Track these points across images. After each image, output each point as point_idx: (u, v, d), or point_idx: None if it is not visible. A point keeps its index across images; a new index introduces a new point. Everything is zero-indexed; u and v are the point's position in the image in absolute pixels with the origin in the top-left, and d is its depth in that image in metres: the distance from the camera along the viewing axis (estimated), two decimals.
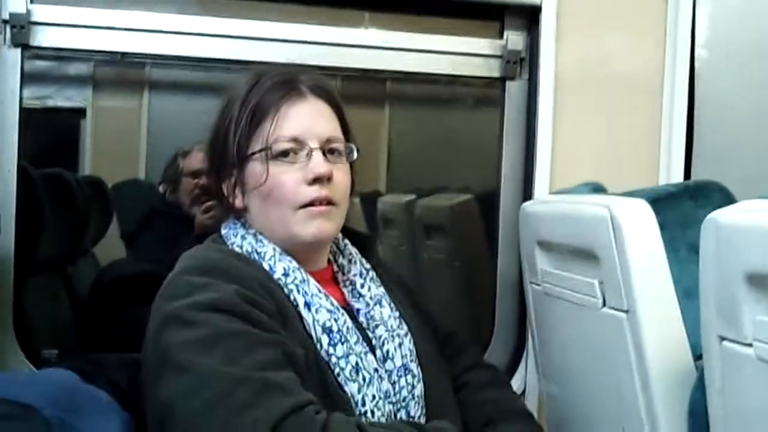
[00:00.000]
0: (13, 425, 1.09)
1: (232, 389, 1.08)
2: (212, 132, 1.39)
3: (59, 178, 2.37)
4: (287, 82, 1.36)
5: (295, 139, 1.32)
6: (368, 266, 1.47)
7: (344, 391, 1.22)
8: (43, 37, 1.87)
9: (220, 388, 1.08)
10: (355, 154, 1.40)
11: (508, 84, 2.14)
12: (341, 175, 1.35)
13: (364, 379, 1.25)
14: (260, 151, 1.31)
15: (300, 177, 1.31)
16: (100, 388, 1.29)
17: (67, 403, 1.16)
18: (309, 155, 1.31)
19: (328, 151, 1.34)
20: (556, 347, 1.79)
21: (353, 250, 1.48)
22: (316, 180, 1.30)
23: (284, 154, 1.31)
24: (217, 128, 1.38)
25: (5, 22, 1.83)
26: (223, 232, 1.39)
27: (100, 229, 2.77)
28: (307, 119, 1.34)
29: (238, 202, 1.37)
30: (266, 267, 1.30)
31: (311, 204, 1.31)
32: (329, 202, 1.32)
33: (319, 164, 1.31)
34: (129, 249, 2.78)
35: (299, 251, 1.34)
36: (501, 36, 2.13)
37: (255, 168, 1.32)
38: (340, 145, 1.37)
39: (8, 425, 1.09)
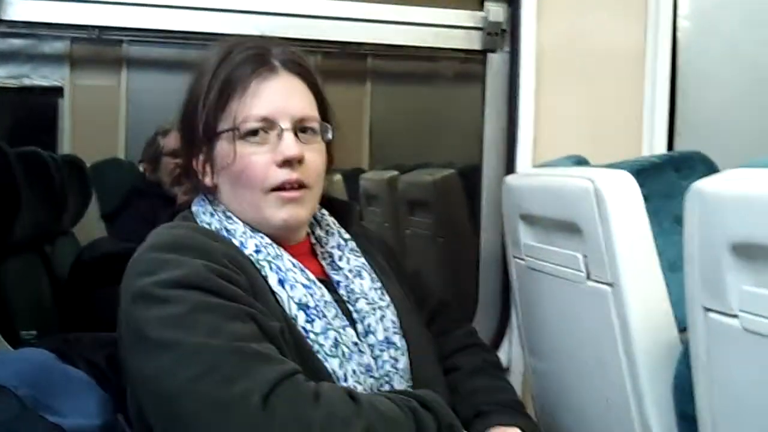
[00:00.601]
0: None
1: (217, 361, 1.05)
2: (182, 107, 1.34)
3: (35, 157, 2.33)
4: (258, 56, 1.30)
5: (264, 119, 1.26)
6: (347, 236, 1.44)
7: (325, 367, 1.20)
8: (16, 11, 1.83)
9: (205, 362, 1.06)
10: (331, 134, 1.35)
11: (489, 56, 2.12)
12: (314, 156, 1.30)
13: (343, 354, 1.22)
14: (228, 130, 1.27)
15: (269, 159, 1.26)
16: (78, 367, 1.28)
17: (43, 383, 1.15)
18: (280, 136, 1.26)
19: (300, 130, 1.29)
20: (540, 321, 1.79)
21: (331, 220, 1.45)
22: (287, 162, 1.25)
23: (253, 133, 1.26)
24: (186, 103, 1.33)
25: None
26: (193, 209, 1.35)
27: (79, 209, 2.74)
28: (278, 97, 1.28)
29: (208, 180, 1.32)
30: (236, 243, 1.27)
31: (282, 188, 1.26)
32: (301, 185, 1.27)
33: (289, 146, 1.25)
34: (109, 228, 2.76)
35: (269, 231, 1.30)
36: (481, 7, 2.10)
37: (223, 147, 1.27)
38: (314, 124, 1.32)
39: None
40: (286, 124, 1.27)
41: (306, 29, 1.95)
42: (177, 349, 1.08)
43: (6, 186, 1.95)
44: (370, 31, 2.03)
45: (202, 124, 1.28)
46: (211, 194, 1.34)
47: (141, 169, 2.70)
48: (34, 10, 1.84)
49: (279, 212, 1.27)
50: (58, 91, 3.24)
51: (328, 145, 1.36)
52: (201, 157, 1.31)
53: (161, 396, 1.08)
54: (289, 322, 1.21)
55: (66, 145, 3.27)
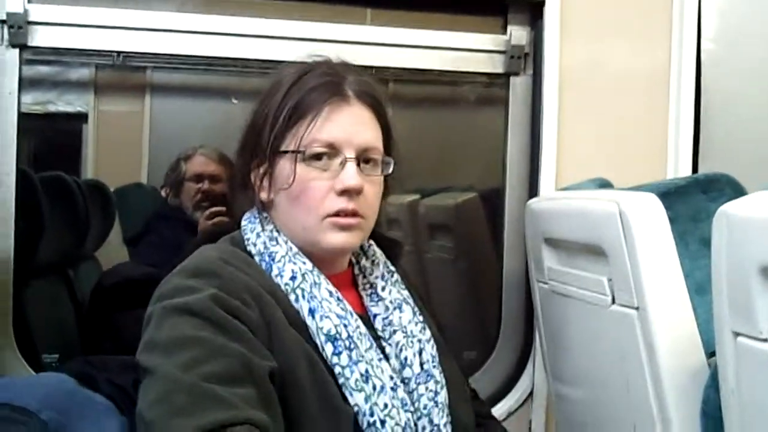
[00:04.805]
0: (11, 428, 1.09)
1: (174, 394, 1.05)
2: (250, 118, 1.34)
3: (60, 181, 2.35)
4: (333, 84, 1.29)
5: (330, 145, 1.26)
6: (392, 268, 1.43)
7: (348, 403, 1.18)
8: (42, 37, 1.86)
9: (164, 391, 1.05)
10: (392, 168, 1.34)
11: (512, 80, 2.12)
12: (372, 189, 1.30)
13: (374, 388, 1.20)
14: (293, 152, 1.26)
15: (329, 186, 1.26)
16: (102, 390, 1.28)
17: (64, 407, 1.15)
18: (342, 164, 1.26)
19: (363, 160, 1.28)
20: (564, 346, 1.77)
21: (378, 251, 1.44)
22: (345, 192, 1.25)
23: (317, 157, 1.26)
24: (255, 116, 1.33)
25: (2, 22, 1.82)
26: (243, 224, 1.35)
27: (102, 233, 2.75)
28: (347, 126, 1.27)
29: (264, 195, 1.32)
30: (275, 270, 1.26)
31: (337, 214, 1.26)
32: (356, 214, 1.27)
33: (351, 176, 1.25)
34: (132, 253, 2.77)
35: (318, 255, 1.30)
36: (504, 31, 2.11)
37: (285, 167, 1.27)
38: (377, 156, 1.31)
39: (6, 428, 1.08)
40: (350, 154, 1.26)
41: (327, 54, 1.95)
42: (150, 374, 1.08)
43: (30, 210, 1.96)
44: (393, 56, 2.05)
45: (267, 140, 1.28)
46: (264, 210, 1.34)
47: (163, 193, 2.71)
48: (59, 36, 1.87)
49: (332, 238, 1.27)
50: (82, 117, 3.26)
51: (386, 177, 1.35)
52: (260, 171, 1.31)
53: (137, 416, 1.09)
54: (318, 354, 1.19)
55: (90, 170, 3.30)
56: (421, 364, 1.30)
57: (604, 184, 1.78)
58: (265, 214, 1.34)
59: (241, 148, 1.37)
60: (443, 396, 1.30)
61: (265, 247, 1.29)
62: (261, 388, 1.10)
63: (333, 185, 1.26)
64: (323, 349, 1.20)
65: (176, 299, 1.14)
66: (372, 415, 1.18)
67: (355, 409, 1.17)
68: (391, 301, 1.36)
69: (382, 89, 1.37)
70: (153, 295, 1.19)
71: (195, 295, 1.13)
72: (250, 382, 1.09)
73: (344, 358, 1.20)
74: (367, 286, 1.38)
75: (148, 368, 1.09)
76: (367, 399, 1.19)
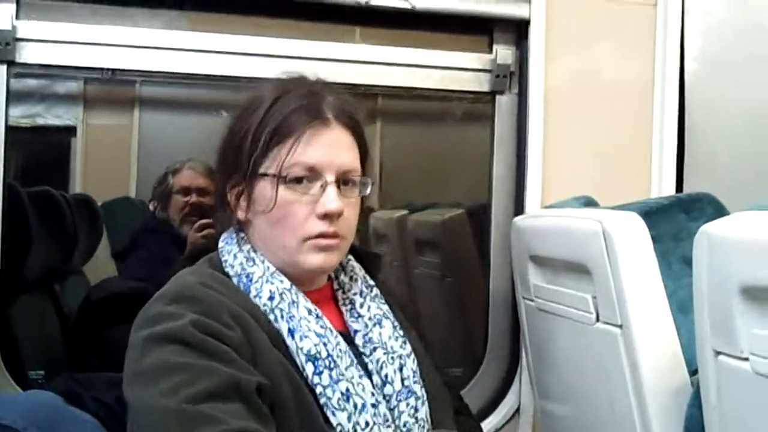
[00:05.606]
0: None
1: (163, 422, 1.06)
2: (226, 136, 1.34)
3: (47, 196, 2.34)
4: (313, 107, 1.29)
5: (311, 168, 1.26)
6: (371, 283, 1.43)
7: (330, 424, 1.18)
8: (29, 54, 1.85)
9: (154, 421, 1.06)
10: (369, 189, 1.35)
11: (498, 98, 2.13)
12: (351, 210, 1.31)
13: (355, 407, 1.20)
14: (273, 176, 1.26)
15: (310, 209, 1.26)
16: (87, 407, 1.28)
17: (49, 424, 1.15)
18: (323, 188, 1.26)
19: (342, 182, 1.29)
20: (550, 363, 1.78)
21: (357, 266, 1.44)
22: (326, 216, 1.26)
23: (298, 180, 1.26)
24: (232, 134, 1.32)
25: None
26: (220, 245, 1.35)
27: (90, 248, 2.74)
28: (327, 150, 1.28)
29: (241, 214, 1.32)
30: (253, 291, 1.26)
31: (318, 236, 1.27)
32: (336, 236, 1.28)
33: (331, 200, 1.26)
34: (120, 267, 2.76)
35: (296, 275, 1.30)
36: (490, 50, 2.13)
37: (265, 190, 1.27)
38: (356, 177, 1.32)
39: None
40: (330, 177, 1.27)
41: (315, 72, 1.97)
42: (137, 404, 1.09)
43: (18, 224, 1.95)
44: (381, 74, 2.06)
45: (245, 162, 1.28)
46: (242, 230, 1.34)
47: (151, 207, 2.71)
48: (48, 53, 1.87)
49: (312, 259, 1.27)
50: (70, 131, 3.26)
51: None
52: (237, 190, 1.31)
53: None
54: (298, 374, 1.19)
55: (78, 183, 3.29)
56: (402, 381, 1.30)
57: (589, 203, 1.79)
58: (242, 234, 1.34)
59: (218, 166, 1.36)
60: (424, 412, 1.30)
61: (242, 269, 1.29)
62: (250, 403, 1.10)
63: (314, 209, 1.26)
64: (304, 369, 1.20)
65: (157, 327, 1.14)
66: None
67: (338, 429, 1.18)
68: (370, 318, 1.36)
69: (359, 106, 1.38)
70: (134, 322, 1.19)
71: (176, 322, 1.13)
72: (238, 399, 1.09)
73: (325, 378, 1.20)
74: (347, 301, 1.38)
75: (134, 401, 1.10)
76: (349, 417, 1.19)
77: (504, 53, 2.10)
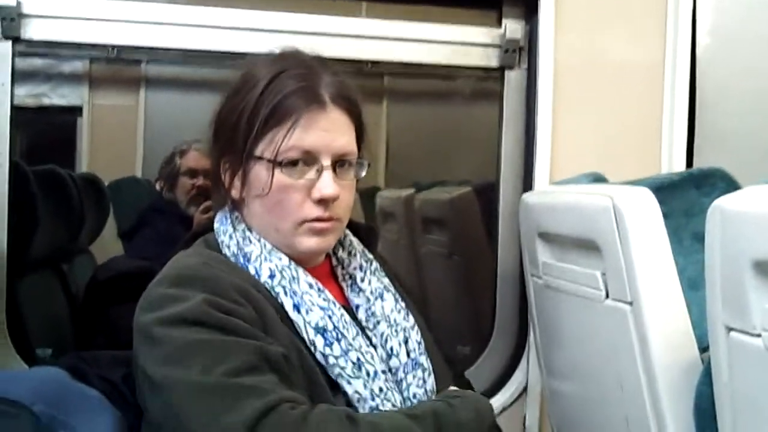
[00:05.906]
0: (3, 421, 1.10)
1: (205, 399, 1.06)
2: (220, 113, 1.32)
3: (54, 175, 2.34)
4: (310, 89, 1.26)
5: (307, 152, 1.25)
6: (370, 257, 1.42)
7: (344, 393, 1.20)
8: (34, 30, 1.85)
9: (194, 400, 1.07)
10: (365, 171, 1.34)
11: (507, 74, 2.12)
12: (347, 192, 1.30)
13: (368, 374, 1.21)
14: (269, 160, 1.25)
15: (305, 194, 1.25)
16: (93, 385, 1.28)
17: (56, 401, 1.16)
18: (319, 172, 1.25)
19: (338, 164, 1.27)
20: (558, 341, 1.77)
21: (355, 241, 1.43)
22: (322, 200, 1.25)
23: (293, 163, 1.25)
24: (226, 112, 1.30)
25: None
26: (215, 226, 1.34)
27: (97, 227, 2.74)
28: (324, 133, 1.26)
29: (235, 193, 1.31)
30: (252, 270, 1.26)
31: (313, 220, 1.26)
32: (331, 219, 1.27)
33: (327, 185, 1.24)
34: (126, 247, 2.76)
35: (293, 254, 1.29)
36: (499, 25, 2.11)
37: (260, 173, 1.26)
38: (352, 159, 1.30)
39: None
40: (326, 161, 1.25)
41: (322, 47, 1.95)
42: (172, 388, 1.09)
43: (24, 204, 1.95)
44: (386, 49, 2.04)
45: (240, 143, 1.26)
46: (236, 210, 1.33)
47: (157, 186, 2.70)
48: (53, 29, 1.86)
49: (308, 242, 1.27)
50: (76, 111, 3.26)
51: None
52: (229, 168, 1.30)
53: None
54: (306, 348, 1.20)
55: (84, 164, 3.29)
56: (408, 353, 1.31)
57: (598, 179, 1.77)
58: (236, 213, 1.33)
59: (211, 143, 1.34)
60: (431, 383, 1.31)
61: (239, 248, 1.29)
62: (281, 373, 1.12)
63: (309, 193, 1.25)
64: (313, 342, 1.21)
65: (164, 311, 1.14)
66: (373, 400, 1.20)
67: (356, 396, 1.19)
68: (371, 291, 1.36)
69: (355, 86, 1.35)
70: (138, 304, 1.19)
71: (186, 304, 1.13)
72: (269, 369, 1.11)
73: (336, 349, 1.21)
74: (347, 277, 1.38)
75: (168, 383, 1.10)
76: (365, 385, 1.20)
77: (513, 27, 2.08)
